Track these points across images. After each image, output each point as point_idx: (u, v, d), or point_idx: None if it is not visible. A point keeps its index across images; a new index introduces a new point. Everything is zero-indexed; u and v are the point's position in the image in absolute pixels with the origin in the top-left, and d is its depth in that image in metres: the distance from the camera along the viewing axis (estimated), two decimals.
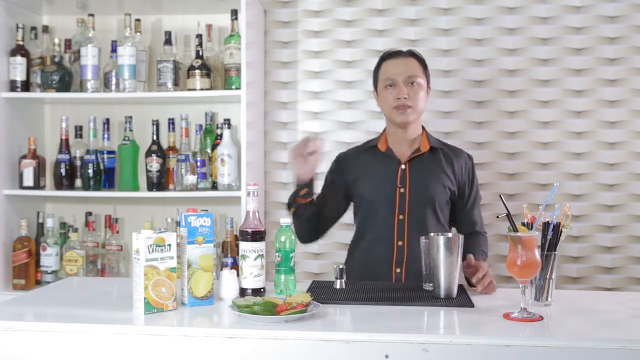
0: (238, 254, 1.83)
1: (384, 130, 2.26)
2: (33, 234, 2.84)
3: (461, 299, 1.74)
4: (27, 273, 2.78)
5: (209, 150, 2.80)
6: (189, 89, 2.74)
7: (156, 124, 2.83)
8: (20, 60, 2.78)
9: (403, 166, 2.18)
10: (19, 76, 2.78)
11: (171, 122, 2.84)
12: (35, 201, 2.93)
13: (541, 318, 1.55)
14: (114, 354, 1.46)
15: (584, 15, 2.86)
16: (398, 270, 2.13)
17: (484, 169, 2.89)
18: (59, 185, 2.82)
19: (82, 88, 2.81)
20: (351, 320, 1.60)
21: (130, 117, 2.82)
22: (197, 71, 2.72)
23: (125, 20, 2.78)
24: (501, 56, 2.89)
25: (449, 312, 1.64)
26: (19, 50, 2.79)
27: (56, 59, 2.78)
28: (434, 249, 1.76)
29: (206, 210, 1.81)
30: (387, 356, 1.39)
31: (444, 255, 1.74)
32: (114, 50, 2.82)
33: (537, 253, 1.57)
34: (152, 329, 1.49)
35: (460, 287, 1.83)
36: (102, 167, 2.81)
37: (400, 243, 2.14)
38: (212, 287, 1.69)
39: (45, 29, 2.91)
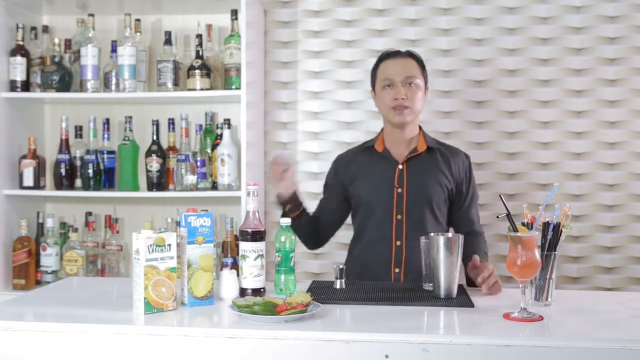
0: (238, 254, 1.82)
1: (381, 130, 2.27)
2: (33, 234, 2.84)
3: (461, 299, 1.74)
4: (27, 273, 2.78)
5: (209, 150, 2.80)
6: (189, 89, 2.74)
7: (156, 124, 2.83)
8: (20, 60, 2.78)
9: (400, 166, 2.18)
10: (19, 76, 2.78)
11: (171, 122, 2.84)
12: (35, 201, 2.93)
13: (541, 318, 1.55)
14: (114, 354, 1.46)
15: (584, 15, 2.86)
16: (397, 270, 2.13)
17: (484, 169, 2.90)
18: (59, 185, 2.82)
19: (82, 88, 2.81)
20: (351, 320, 1.60)
21: (130, 117, 2.82)
22: (197, 71, 2.72)
23: (125, 20, 2.78)
24: (501, 56, 2.89)
25: (449, 312, 1.64)
26: (19, 50, 2.79)
27: (56, 59, 2.78)
28: (434, 249, 1.76)
29: (206, 210, 1.81)
30: (387, 356, 1.39)
31: (444, 255, 1.74)
32: (114, 50, 2.82)
33: (537, 253, 1.57)
34: (152, 329, 1.49)
35: (460, 287, 1.84)
36: (102, 167, 2.81)
37: (398, 243, 2.14)
38: (212, 287, 1.69)
39: (45, 29, 2.91)
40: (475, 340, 1.40)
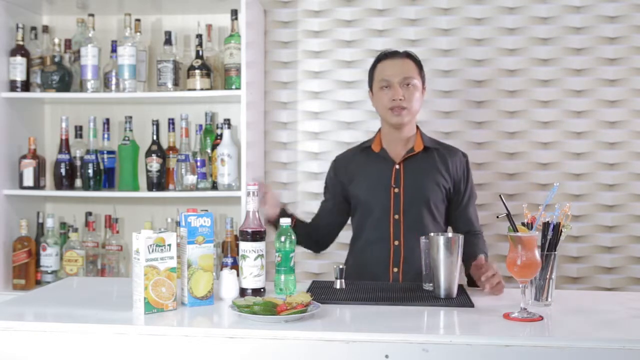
0: (238, 254, 1.82)
1: (379, 130, 2.27)
2: (33, 234, 2.84)
3: (461, 299, 1.74)
4: (27, 273, 2.77)
5: (209, 150, 2.80)
6: (189, 89, 2.74)
7: (156, 124, 2.83)
8: (20, 60, 2.78)
9: (397, 166, 2.19)
10: (19, 76, 2.78)
11: (171, 122, 2.84)
12: (35, 201, 2.93)
13: (541, 318, 1.55)
14: (114, 354, 1.46)
15: (584, 15, 2.86)
16: (395, 269, 2.14)
17: (484, 169, 2.90)
18: (59, 185, 2.82)
19: (82, 88, 2.81)
20: (351, 320, 1.60)
21: (130, 117, 2.82)
22: (197, 71, 2.72)
23: (125, 20, 2.78)
24: (501, 56, 2.89)
25: (449, 312, 1.64)
26: (19, 50, 2.79)
27: (56, 59, 2.78)
28: (434, 249, 1.76)
29: (206, 210, 1.81)
30: (387, 356, 1.39)
31: (444, 255, 1.74)
32: (114, 50, 2.82)
33: (537, 253, 1.57)
34: (152, 329, 1.49)
35: (460, 287, 1.84)
36: (102, 167, 2.81)
37: (396, 243, 2.15)
38: (212, 287, 1.69)
39: (45, 29, 2.91)
40: (475, 340, 1.40)
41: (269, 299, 1.59)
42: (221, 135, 2.77)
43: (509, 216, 1.66)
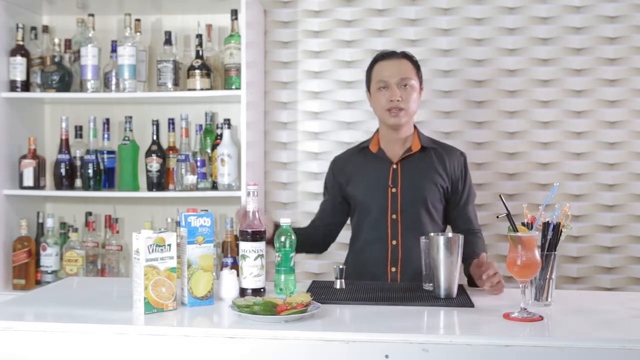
0: (238, 254, 1.82)
1: (377, 130, 2.28)
2: (33, 234, 2.84)
3: (461, 299, 1.74)
4: (27, 273, 2.77)
5: (209, 150, 2.80)
6: (189, 89, 2.74)
7: (156, 124, 2.83)
8: (20, 60, 2.78)
9: (394, 166, 2.19)
10: (19, 76, 2.78)
11: (171, 122, 2.84)
12: (35, 201, 2.93)
13: (541, 318, 1.55)
14: (114, 354, 1.46)
15: (584, 15, 2.86)
16: (393, 269, 2.14)
17: (484, 169, 2.90)
18: (59, 185, 2.82)
19: (82, 88, 2.81)
20: (351, 320, 1.60)
21: (130, 117, 2.82)
22: (197, 71, 2.72)
23: (125, 20, 2.78)
24: (501, 56, 2.89)
25: (449, 312, 1.64)
26: (19, 50, 2.79)
27: (56, 59, 2.78)
28: (434, 249, 1.76)
29: (206, 210, 1.81)
30: (387, 356, 1.39)
31: (444, 255, 1.74)
32: (114, 50, 2.82)
33: (537, 253, 1.57)
34: (152, 329, 1.49)
35: (460, 287, 1.84)
36: (102, 167, 2.81)
37: (394, 242, 2.15)
38: (212, 287, 1.69)
39: (45, 29, 2.91)
40: (475, 340, 1.40)
41: (269, 299, 1.59)
42: (221, 135, 2.77)
43: (509, 216, 1.66)
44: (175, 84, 2.76)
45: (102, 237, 2.89)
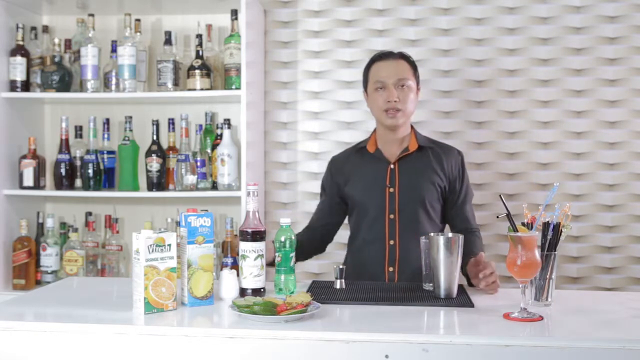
0: (238, 254, 1.82)
1: (374, 130, 2.28)
2: (33, 234, 2.84)
3: (461, 299, 1.74)
4: (27, 273, 2.77)
5: (209, 150, 2.80)
6: (189, 89, 2.74)
7: (156, 124, 2.83)
8: (20, 60, 2.78)
9: (392, 166, 2.19)
10: (19, 76, 2.78)
11: (171, 122, 2.84)
12: (35, 201, 2.93)
13: (541, 318, 1.55)
14: (114, 354, 1.46)
15: (584, 15, 2.86)
16: (391, 269, 2.15)
17: (484, 169, 2.90)
18: (59, 185, 2.82)
19: (82, 88, 2.81)
20: (351, 320, 1.60)
21: (130, 117, 2.82)
22: (197, 71, 2.72)
23: (125, 20, 2.78)
24: (501, 56, 2.89)
25: (449, 312, 1.64)
26: (19, 50, 2.79)
27: (56, 59, 2.78)
28: (434, 249, 1.76)
29: (206, 210, 1.81)
30: (387, 356, 1.39)
31: (444, 255, 1.74)
32: (114, 50, 2.82)
33: (537, 253, 1.57)
34: (152, 329, 1.49)
35: (460, 287, 1.84)
36: (102, 167, 2.81)
37: (392, 242, 2.15)
38: (212, 287, 1.69)
39: (45, 29, 2.91)
40: (475, 340, 1.40)
41: (269, 299, 1.59)
42: (221, 135, 2.77)
43: (509, 216, 1.66)
44: (175, 84, 2.76)
45: (102, 237, 2.89)
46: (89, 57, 2.75)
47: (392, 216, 2.16)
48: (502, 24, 2.89)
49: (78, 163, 2.80)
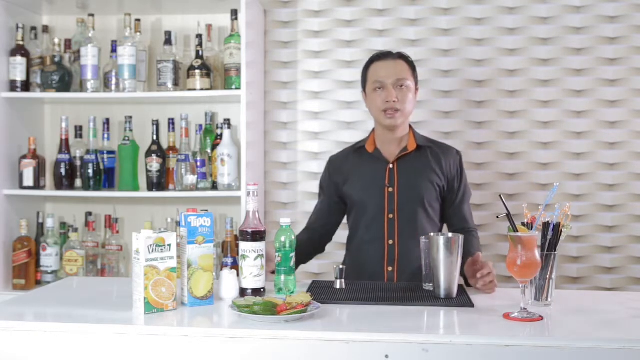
0: (238, 254, 1.82)
1: (373, 130, 2.28)
2: (33, 234, 2.84)
3: (461, 299, 1.74)
4: (27, 273, 2.78)
5: (209, 150, 2.80)
6: (189, 89, 2.74)
7: (156, 124, 2.83)
8: (20, 60, 2.78)
9: (391, 166, 2.19)
10: (19, 76, 2.78)
11: (171, 122, 2.84)
12: (35, 201, 2.93)
13: (541, 318, 1.55)
14: (114, 354, 1.46)
15: (584, 15, 2.86)
16: (390, 268, 2.15)
17: (484, 169, 2.90)
18: (59, 185, 2.82)
19: (82, 88, 2.81)
20: (351, 320, 1.60)
21: (130, 117, 2.82)
22: (197, 71, 2.72)
23: (125, 20, 2.78)
24: (501, 56, 2.89)
25: (449, 312, 1.64)
26: (19, 50, 2.79)
27: (56, 59, 2.78)
28: (434, 249, 1.76)
29: (206, 210, 1.81)
30: (387, 356, 1.39)
31: (444, 255, 1.74)
32: (114, 50, 2.82)
33: (537, 253, 1.57)
34: (152, 329, 1.49)
35: (460, 287, 1.84)
36: (102, 167, 2.81)
37: (391, 242, 2.15)
38: (212, 287, 1.69)
39: (45, 29, 2.91)
40: (475, 340, 1.40)
41: (269, 299, 1.58)
42: (221, 135, 2.77)
43: (509, 216, 1.66)
44: (175, 84, 2.76)
45: (102, 237, 2.89)
46: (89, 57, 2.75)
47: (391, 216, 2.16)
48: (502, 24, 2.89)
49: (78, 163, 2.81)
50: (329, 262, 2.85)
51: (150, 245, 1.59)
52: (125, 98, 2.79)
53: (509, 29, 2.89)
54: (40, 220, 2.86)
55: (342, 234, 2.36)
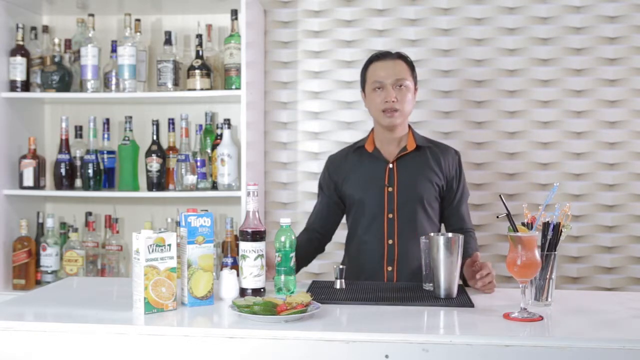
0: (238, 254, 1.82)
1: (372, 130, 2.28)
2: (33, 234, 2.84)
3: (461, 299, 1.74)
4: (27, 273, 2.77)
5: (209, 150, 2.80)
6: (189, 89, 2.74)
7: (156, 124, 2.83)
8: (20, 60, 2.78)
9: (390, 165, 2.19)
10: (19, 76, 2.78)
11: (171, 122, 2.84)
12: (35, 201, 2.93)
13: (541, 318, 1.55)
14: (114, 354, 1.46)
15: (584, 15, 2.86)
16: (389, 268, 2.15)
17: (484, 169, 2.90)
18: (59, 185, 2.82)
19: (82, 88, 2.81)
20: (351, 320, 1.60)
21: (130, 117, 2.82)
22: (197, 71, 2.72)
23: (125, 20, 2.78)
24: (501, 56, 2.89)
25: (449, 312, 1.64)
26: (19, 50, 2.79)
27: (56, 59, 2.78)
28: (434, 249, 1.76)
29: (206, 210, 1.81)
30: (387, 356, 1.39)
31: (444, 255, 1.74)
32: (114, 50, 2.82)
33: (537, 253, 1.57)
34: (152, 329, 1.49)
35: (460, 287, 1.84)
36: (102, 167, 2.81)
37: (390, 242, 2.15)
38: (212, 287, 1.69)
39: (45, 29, 2.91)
40: (475, 340, 1.40)
41: (269, 299, 1.58)
42: (221, 135, 2.77)
43: (509, 216, 1.66)
44: (175, 84, 2.76)
45: (102, 237, 2.89)
46: (89, 57, 2.75)
47: (390, 215, 2.16)
48: (502, 24, 2.89)
49: (78, 163, 2.81)
50: (329, 262, 2.85)
51: (150, 245, 1.59)
52: (125, 98, 2.79)
53: (509, 29, 2.89)
54: (40, 220, 2.86)
55: (342, 234, 2.36)
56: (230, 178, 2.71)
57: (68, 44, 2.87)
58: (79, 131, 2.84)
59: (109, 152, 2.83)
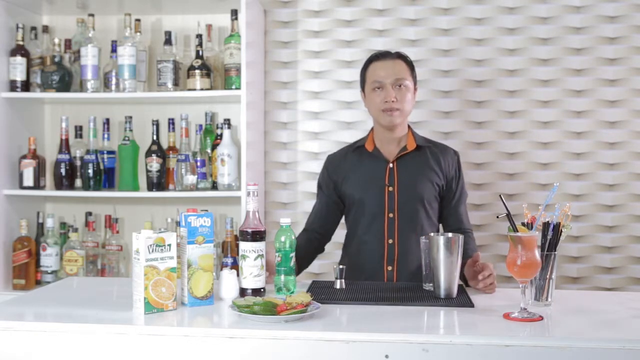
0: (238, 254, 1.82)
1: (371, 130, 2.28)
2: (33, 234, 2.84)
3: (461, 299, 1.74)
4: (27, 273, 2.78)
5: (209, 150, 2.80)
6: (189, 89, 2.74)
7: (156, 124, 2.83)
8: (20, 60, 2.78)
9: (391, 165, 2.19)
10: (19, 76, 2.78)
11: (171, 122, 2.84)
12: (35, 201, 2.93)
13: (541, 318, 1.55)
14: (114, 354, 1.46)
15: (584, 15, 2.86)
16: (389, 268, 2.15)
17: (484, 169, 2.90)
18: (59, 185, 2.82)
19: (82, 88, 2.81)
20: (351, 320, 1.60)
21: (130, 117, 2.82)
22: (197, 71, 2.72)
23: (125, 20, 2.78)
24: (501, 56, 2.89)
25: (449, 312, 1.64)
26: (19, 50, 2.79)
27: (56, 59, 2.78)
28: (434, 249, 1.76)
29: (206, 210, 1.81)
30: (387, 356, 1.39)
31: (444, 255, 1.74)
32: (114, 50, 2.82)
33: (537, 253, 1.57)
34: (152, 329, 1.49)
35: (460, 287, 1.84)
36: (102, 167, 2.81)
37: (390, 241, 2.15)
38: (212, 287, 1.69)
39: (45, 29, 2.91)
40: (475, 340, 1.40)
41: (269, 299, 1.59)
42: (221, 135, 2.77)
43: (509, 216, 1.66)
44: (175, 84, 2.76)
45: (102, 237, 2.89)
46: (89, 57, 2.75)
47: (391, 215, 2.16)
48: (502, 24, 2.89)
49: (78, 163, 2.81)
50: (329, 262, 2.85)
51: (150, 245, 1.59)
52: (125, 98, 2.79)
53: (509, 29, 2.89)
54: (40, 220, 2.86)
55: (342, 234, 2.36)
56: (230, 178, 2.71)
57: (68, 44, 2.87)
58: (79, 131, 2.84)
59: (109, 152, 2.83)
